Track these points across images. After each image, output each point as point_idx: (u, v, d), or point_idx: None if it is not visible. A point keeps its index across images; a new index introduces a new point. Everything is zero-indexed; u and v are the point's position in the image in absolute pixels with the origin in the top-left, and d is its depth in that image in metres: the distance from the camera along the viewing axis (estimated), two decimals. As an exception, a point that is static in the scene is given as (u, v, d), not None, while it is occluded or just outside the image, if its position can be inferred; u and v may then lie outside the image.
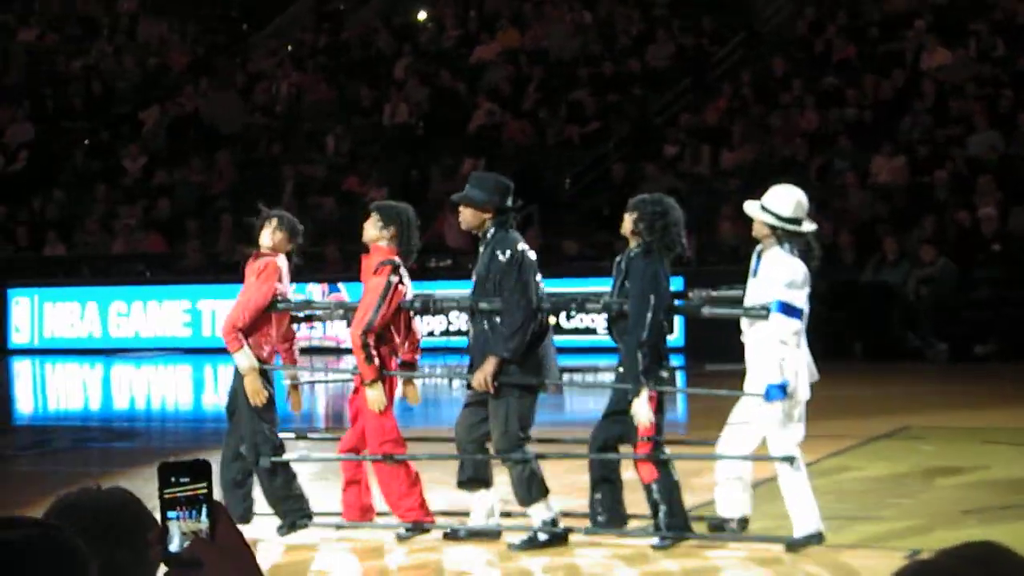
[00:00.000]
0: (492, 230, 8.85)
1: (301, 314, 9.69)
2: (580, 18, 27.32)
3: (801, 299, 8.58)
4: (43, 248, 25.68)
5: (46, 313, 23.43)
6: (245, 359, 9.09)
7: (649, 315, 8.55)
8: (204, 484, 2.21)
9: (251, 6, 32.40)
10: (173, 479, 2.21)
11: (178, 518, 2.19)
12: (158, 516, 2.22)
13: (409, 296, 9.19)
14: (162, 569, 2.26)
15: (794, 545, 8.52)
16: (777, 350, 8.50)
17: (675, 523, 8.72)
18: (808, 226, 8.81)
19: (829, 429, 12.89)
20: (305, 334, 11.09)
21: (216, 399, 19.28)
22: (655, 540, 8.75)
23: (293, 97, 28.03)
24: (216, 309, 22.47)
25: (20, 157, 27.68)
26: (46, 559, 2.19)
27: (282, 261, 9.28)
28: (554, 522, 8.83)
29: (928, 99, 22.68)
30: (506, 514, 9.26)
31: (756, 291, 8.75)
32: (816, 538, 8.54)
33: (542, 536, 8.81)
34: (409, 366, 9.36)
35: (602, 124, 24.97)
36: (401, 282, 9.02)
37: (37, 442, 14.90)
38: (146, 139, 27.77)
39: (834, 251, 20.35)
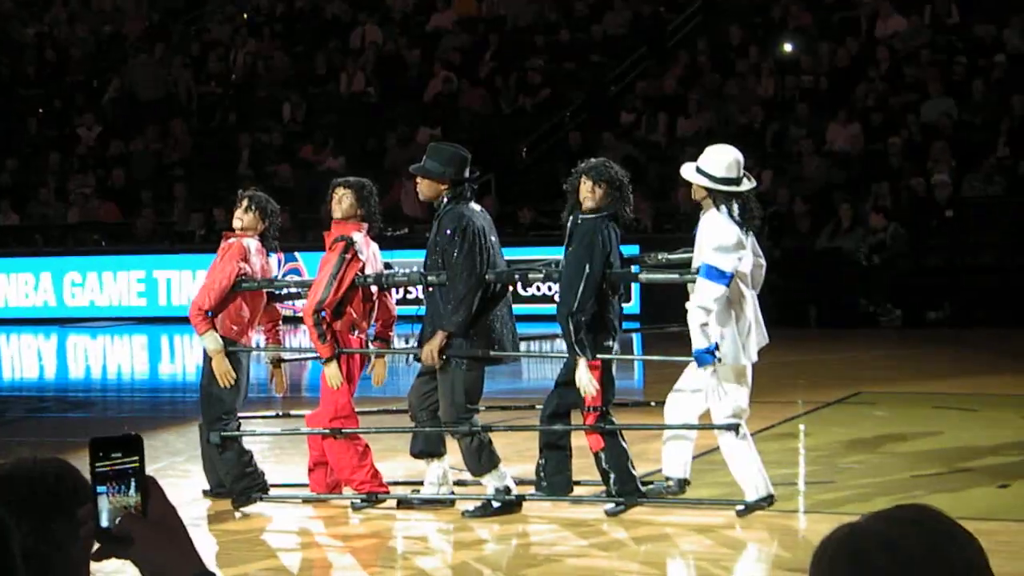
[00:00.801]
0: (444, 201, 8.86)
1: (281, 292, 9.69)
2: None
3: (731, 263, 8.35)
4: (-3, 217, 25.49)
5: (0, 283, 23.28)
6: (212, 341, 9.09)
7: (581, 285, 8.53)
8: (135, 458, 2.18)
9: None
10: (103, 454, 2.18)
11: (107, 493, 2.16)
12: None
13: (379, 268, 9.20)
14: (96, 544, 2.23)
15: (745, 510, 8.58)
16: (699, 316, 8.37)
17: (626, 490, 8.77)
18: (747, 184, 8.63)
19: (782, 395, 12.99)
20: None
21: (172, 368, 19.25)
22: (608, 506, 8.80)
23: (249, 65, 27.87)
24: (171, 278, 22.40)
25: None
26: None
27: (250, 241, 9.25)
28: (507, 490, 8.87)
29: (882, 66, 22.77)
30: (459, 482, 9.31)
31: (694, 255, 8.71)
32: (767, 500, 8.57)
33: (495, 504, 8.85)
34: (384, 343, 9.38)
35: (558, 92, 24.95)
36: (357, 258, 9.02)
37: (-9, 413, 14.82)
38: (105, 108, 27.56)
39: (789, 218, 20.46)
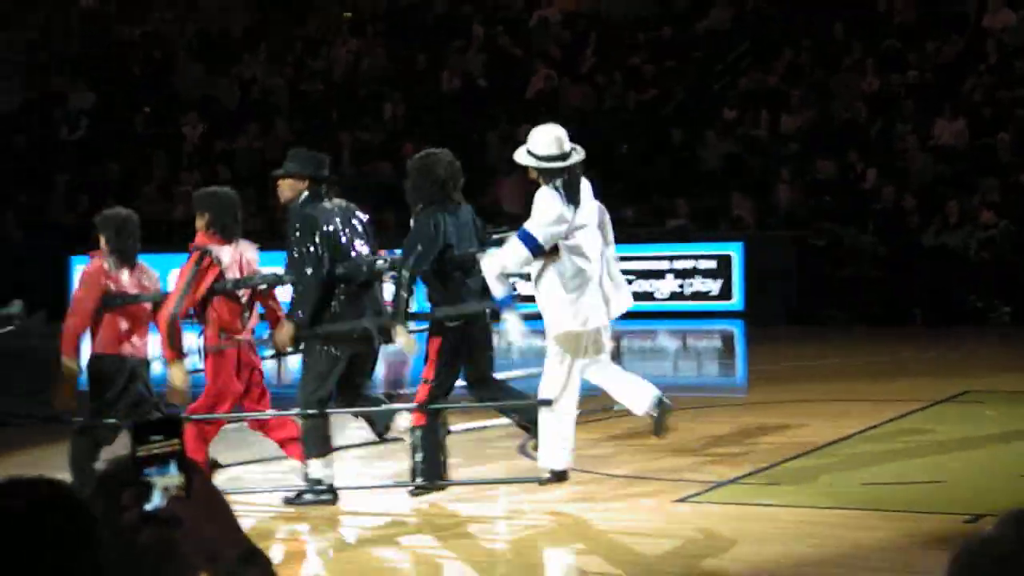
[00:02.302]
0: (300, 200, 9.24)
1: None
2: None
3: (546, 235, 8.73)
4: (104, 215, 25.82)
5: (107, 280, 23.57)
6: (69, 366, 9.18)
7: (411, 259, 9.03)
8: (176, 440, 2.20)
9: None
10: (144, 438, 2.20)
11: (151, 476, 2.19)
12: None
13: (253, 272, 9.42)
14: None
15: (545, 481, 8.90)
16: (494, 267, 8.81)
17: (429, 471, 8.98)
18: (574, 158, 8.97)
19: (891, 393, 12.84)
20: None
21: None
22: (410, 487, 9.10)
23: (351, 63, 28.03)
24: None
25: (81, 125, 27.90)
26: (56, 520, 2.16)
27: (109, 259, 9.33)
28: (327, 485, 9.00)
29: (991, 60, 22.42)
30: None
31: None
32: (562, 475, 8.91)
33: (308, 496, 8.99)
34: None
35: (661, 88, 24.82)
36: (213, 265, 9.22)
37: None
38: (210, 107, 27.90)
39: (897, 214, 20.20)
